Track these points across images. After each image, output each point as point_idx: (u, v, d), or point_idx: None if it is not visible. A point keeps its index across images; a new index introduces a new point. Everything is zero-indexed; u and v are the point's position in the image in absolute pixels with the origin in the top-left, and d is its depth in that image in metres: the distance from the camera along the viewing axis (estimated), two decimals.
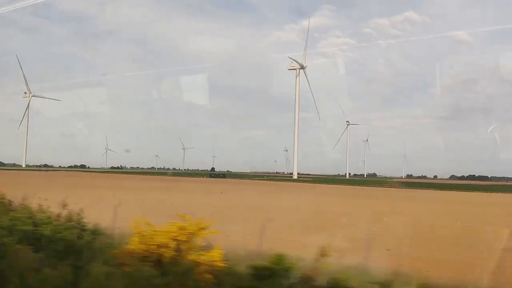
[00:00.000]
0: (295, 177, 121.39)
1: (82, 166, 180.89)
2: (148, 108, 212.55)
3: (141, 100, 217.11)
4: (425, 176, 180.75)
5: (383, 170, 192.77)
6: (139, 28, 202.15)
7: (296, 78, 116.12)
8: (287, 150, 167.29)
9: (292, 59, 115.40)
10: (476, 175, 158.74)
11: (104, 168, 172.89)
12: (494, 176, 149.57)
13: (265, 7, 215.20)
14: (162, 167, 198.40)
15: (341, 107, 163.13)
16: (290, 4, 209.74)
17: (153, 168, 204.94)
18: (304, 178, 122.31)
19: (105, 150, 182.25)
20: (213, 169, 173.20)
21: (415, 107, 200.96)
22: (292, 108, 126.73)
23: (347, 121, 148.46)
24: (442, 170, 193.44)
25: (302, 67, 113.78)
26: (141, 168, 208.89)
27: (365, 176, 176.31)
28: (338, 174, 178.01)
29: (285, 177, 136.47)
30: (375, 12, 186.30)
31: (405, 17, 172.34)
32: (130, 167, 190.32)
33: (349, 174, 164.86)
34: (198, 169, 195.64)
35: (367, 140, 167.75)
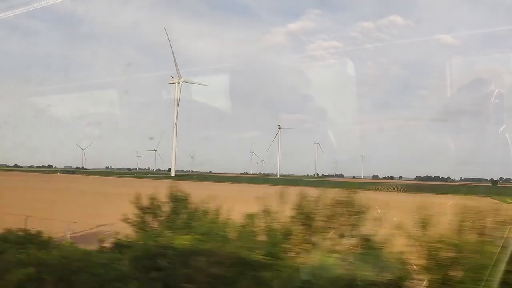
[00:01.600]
0: (172, 174, 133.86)
1: (49, 166, 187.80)
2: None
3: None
4: (391, 177, 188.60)
5: (347, 170, 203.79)
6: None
7: (175, 91, 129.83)
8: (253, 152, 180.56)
9: (177, 75, 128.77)
10: (440, 177, 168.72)
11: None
12: (468, 177, 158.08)
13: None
14: (147, 168, 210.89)
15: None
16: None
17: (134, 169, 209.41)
18: (189, 175, 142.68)
19: (82, 151, 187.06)
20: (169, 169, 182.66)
21: (401, 109, 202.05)
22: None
23: (278, 125, 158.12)
24: (408, 171, 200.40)
25: (181, 81, 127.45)
26: (117, 168, 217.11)
27: (315, 176, 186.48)
28: (307, 174, 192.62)
29: (163, 175, 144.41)
30: (360, 16, 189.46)
31: (390, 20, 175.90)
32: (105, 167, 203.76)
33: (288, 174, 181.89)
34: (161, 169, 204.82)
35: (318, 143, 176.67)
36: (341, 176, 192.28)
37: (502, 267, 5.33)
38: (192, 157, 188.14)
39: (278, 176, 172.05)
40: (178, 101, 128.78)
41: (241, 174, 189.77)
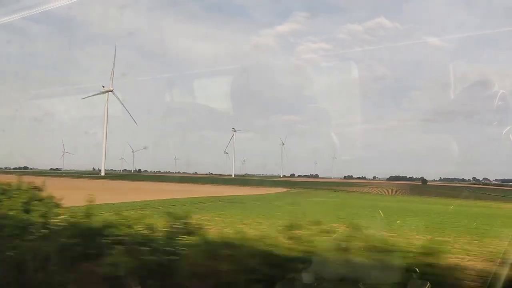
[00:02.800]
0: (102, 173, 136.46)
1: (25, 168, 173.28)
2: None
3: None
4: (364, 177, 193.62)
5: (322, 171, 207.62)
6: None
7: (106, 101, 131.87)
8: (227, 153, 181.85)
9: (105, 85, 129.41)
10: (414, 177, 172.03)
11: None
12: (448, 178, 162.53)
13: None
14: (125, 169, 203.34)
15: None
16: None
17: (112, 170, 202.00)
18: (120, 175, 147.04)
19: (62, 153, 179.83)
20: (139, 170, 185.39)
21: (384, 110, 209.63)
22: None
23: (233, 128, 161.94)
24: (384, 171, 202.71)
25: (109, 91, 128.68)
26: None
27: (281, 176, 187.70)
28: (278, 174, 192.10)
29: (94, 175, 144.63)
30: (346, 18, 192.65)
31: (377, 23, 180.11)
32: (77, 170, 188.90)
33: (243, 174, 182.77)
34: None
35: (283, 144, 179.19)
36: (316, 176, 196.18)
37: None
38: (175, 159, 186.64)
39: (233, 175, 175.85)
40: (107, 109, 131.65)
41: (206, 174, 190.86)
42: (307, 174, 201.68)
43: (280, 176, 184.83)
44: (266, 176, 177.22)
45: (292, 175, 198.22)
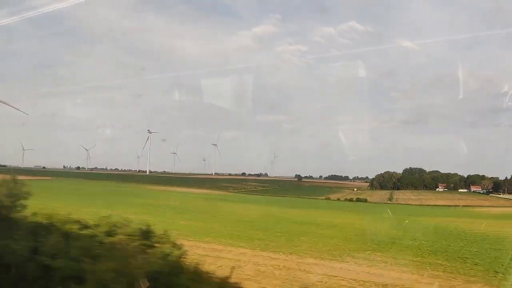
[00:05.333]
0: None
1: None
2: None
3: None
4: (311, 176, 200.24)
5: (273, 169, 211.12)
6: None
7: None
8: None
9: None
10: (343, 176, 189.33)
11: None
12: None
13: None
14: (95, 167, 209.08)
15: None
16: None
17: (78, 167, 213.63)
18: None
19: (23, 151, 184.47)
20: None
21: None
22: None
23: (148, 130, 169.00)
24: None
25: None
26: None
27: (230, 175, 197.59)
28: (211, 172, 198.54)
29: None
30: (320, 21, 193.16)
31: (350, 26, 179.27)
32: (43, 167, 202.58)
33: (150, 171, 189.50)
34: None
35: (215, 144, 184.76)
36: (265, 175, 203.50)
37: None
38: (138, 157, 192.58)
39: (148, 173, 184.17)
40: None
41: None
42: (257, 173, 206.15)
43: (212, 174, 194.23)
44: (195, 174, 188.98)
45: (243, 174, 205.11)
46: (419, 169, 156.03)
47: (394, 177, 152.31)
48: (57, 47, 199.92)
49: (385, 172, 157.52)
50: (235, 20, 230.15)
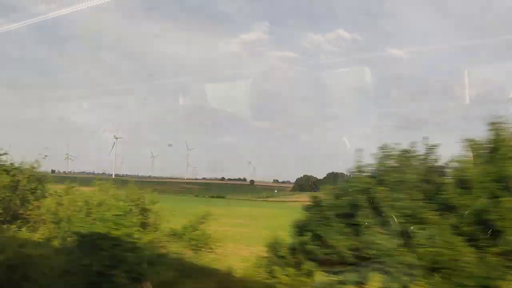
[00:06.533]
0: None
1: None
2: None
3: None
4: (289, 181, 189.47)
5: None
6: None
7: None
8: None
9: None
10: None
11: None
12: None
13: None
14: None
15: None
16: None
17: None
18: None
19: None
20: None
21: None
22: None
23: (114, 136, 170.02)
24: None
25: None
26: None
27: (185, 179, 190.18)
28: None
29: None
30: (307, 29, 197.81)
31: (338, 34, 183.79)
32: None
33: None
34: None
35: (189, 149, 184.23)
36: (244, 180, 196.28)
37: None
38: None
39: (113, 176, 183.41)
40: None
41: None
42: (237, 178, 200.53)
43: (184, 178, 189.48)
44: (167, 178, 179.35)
45: (222, 178, 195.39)
46: (341, 173, 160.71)
47: (310, 180, 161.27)
48: (60, 53, 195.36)
49: (303, 175, 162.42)
50: (223, 27, 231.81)
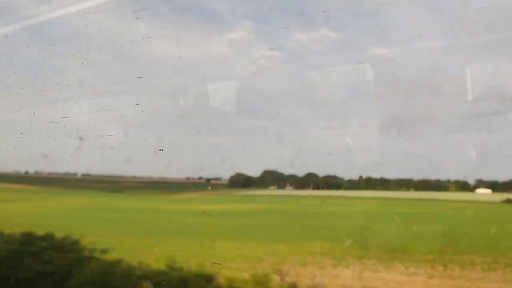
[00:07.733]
0: None
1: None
2: None
3: None
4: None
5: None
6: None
7: None
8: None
9: None
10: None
11: None
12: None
13: None
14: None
15: None
16: None
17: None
18: None
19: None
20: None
21: None
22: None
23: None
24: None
25: None
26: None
27: (156, 178, 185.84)
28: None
29: None
30: (292, 28, 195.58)
31: (322, 33, 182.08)
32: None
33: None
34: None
35: (160, 150, 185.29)
36: (220, 178, 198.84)
37: None
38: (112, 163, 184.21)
39: (80, 176, 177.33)
40: None
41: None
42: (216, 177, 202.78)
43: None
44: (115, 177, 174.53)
45: (200, 178, 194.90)
46: (274, 171, 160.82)
47: (241, 176, 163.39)
48: (54, 55, 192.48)
49: (236, 173, 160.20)
50: (211, 26, 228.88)
